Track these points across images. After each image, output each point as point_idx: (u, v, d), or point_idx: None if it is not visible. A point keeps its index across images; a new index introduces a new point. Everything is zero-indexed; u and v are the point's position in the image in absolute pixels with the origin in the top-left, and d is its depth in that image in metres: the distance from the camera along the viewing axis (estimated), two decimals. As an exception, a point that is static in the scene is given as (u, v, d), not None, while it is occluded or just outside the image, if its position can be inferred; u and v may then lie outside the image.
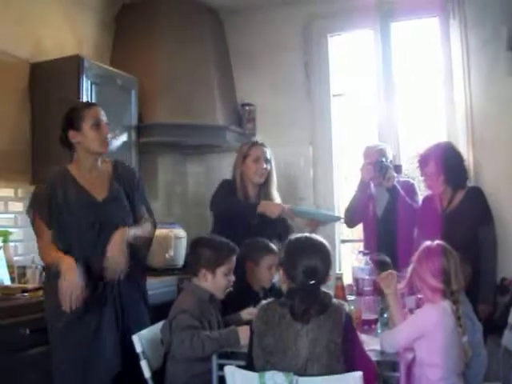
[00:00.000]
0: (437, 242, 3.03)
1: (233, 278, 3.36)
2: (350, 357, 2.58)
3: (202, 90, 5.35)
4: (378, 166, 4.46)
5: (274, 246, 3.85)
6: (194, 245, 3.43)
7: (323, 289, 2.68)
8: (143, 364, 3.24)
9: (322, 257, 2.68)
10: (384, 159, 4.52)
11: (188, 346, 3.03)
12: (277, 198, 4.34)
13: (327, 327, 2.55)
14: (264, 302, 2.77)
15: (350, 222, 4.88)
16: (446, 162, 4.27)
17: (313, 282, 2.62)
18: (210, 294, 3.27)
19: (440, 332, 2.80)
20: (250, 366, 2.66)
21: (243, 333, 3.08)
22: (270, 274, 3.76)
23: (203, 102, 5.35)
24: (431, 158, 4.30)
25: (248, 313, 3.39)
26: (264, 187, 4.32)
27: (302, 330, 2.56)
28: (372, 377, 2.60)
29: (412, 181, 4.79)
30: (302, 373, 2.50)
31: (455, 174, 4.31)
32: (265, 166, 4.27)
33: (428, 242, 3.04)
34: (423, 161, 4.36)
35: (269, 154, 4.33)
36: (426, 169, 4.33)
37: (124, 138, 4.85)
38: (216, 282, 3.30)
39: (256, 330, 2.69)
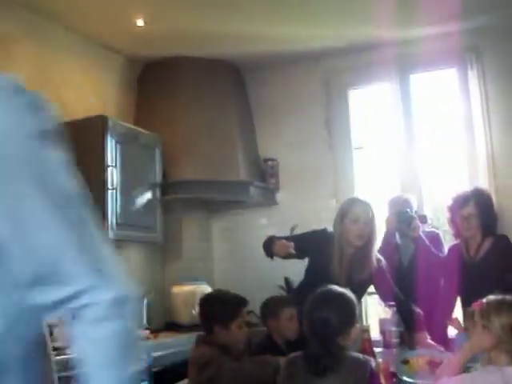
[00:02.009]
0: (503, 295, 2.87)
1: (246, 329, 3.37)
2: None
3: (224, 146, 5.43)
4: (403, 215, 4.46)
5: (291, 298, 3.83)
6: (204, 303, 3.43)
7: (345, 345, 2.65)
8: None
9: (336, 308, 2.66)
10: (409, 210, 4.52)
11: (246, 374, 3.05)
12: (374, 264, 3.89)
13: (350, 382, 2.52)
14: (291, 355, 2.77)
15: None
16: (484, 205, 4.28)
17: (325, 332, 2.60)
18: (225, 346, 3.26)
19: None
20: None
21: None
22: (293, 324, 3.71)
23: (226, 157, 5.42)
24: (472, 198, 4.30)
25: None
26: (363, 248, 3.83)
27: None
28: None
29: (437, 231, 4.78)
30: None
31: (488, 217, 4.31)
32: (364, 227, 3.77)
33: (495, 297, 2.88)
34: (463, 201, 4.33)
35: (371, 213, 3.83)
36: (463, 210, 4.30)
37: (149, 195, 4.91)
38: (231, 336, 3.30)
39: (282, 381, 2.69)
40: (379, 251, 4.34)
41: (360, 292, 3.29)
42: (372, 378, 2.57)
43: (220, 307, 3.33)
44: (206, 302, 3.44)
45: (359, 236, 3.75)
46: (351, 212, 3.80)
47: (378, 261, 3.87)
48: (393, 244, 4.59)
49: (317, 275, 3.75)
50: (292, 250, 3.75)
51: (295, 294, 4.10)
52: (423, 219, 4.65)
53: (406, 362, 3.07)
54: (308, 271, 4.01)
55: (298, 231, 4.15)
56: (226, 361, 3.09)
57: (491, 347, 2.60)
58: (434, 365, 2.97)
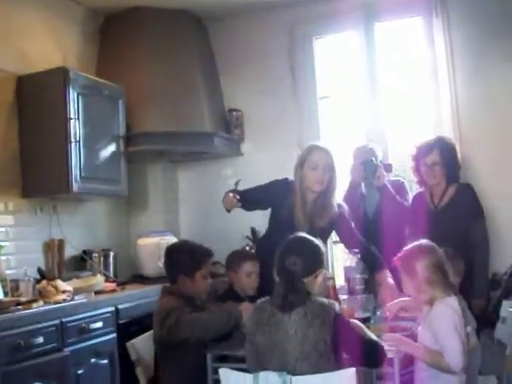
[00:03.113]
0: (423, 240, 3.03)
1: (210, 280, 3.39)
2: (348, 349, 2.65)
3: (188, 98, 5.36)
4: (368, 165, 4.47)
5: (254, 253, 3.84)
6: (169, 252, 3.46)
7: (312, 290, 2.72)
8: (138, 371, 3.25)
9: (305, 252, 2.75)
10: (374, 159, 4.53)
11: (203, 324, 3.09)
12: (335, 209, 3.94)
13: (316, 326, 2.57)
14: (258, 301, 2.82)
15: None
16: (448, 153, 4.33)
17: (292, 273, 2.67)
18: (188, 296, 3.28)
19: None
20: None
21: (245, 308, 3.18)
22: (251, 280, 3.74)
23: (190, 109, 5.36)
24: (435, 146, 4.35)
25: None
26: (324, 194, 3.87)
27: (291, 329, 2.58)
28: (381, 357, 2.68)
29: (402, 179, 4.81)
30: (292, 371, 2.53)
31: (453, 166, 4.37)
32: (322, 173, 3.81)
33: (416, 243, 3.03)
34: (426, 150, 4.37)
35: (330, 159, 3.86)
36: (427, 158, 4.34)
37: (112, 148, 4.85)
38: (195, 286, 3.32)
39: (249, 329, 2.74)
40: (344, 200, 4.38)
41: (323, 238, 3.32)
42: (337, 321, 2.61)
43: (185, 257, 3.35)
44: (172, 251, 3.46)
45: (318, 182, 3.80)
46: (310, 159, 3.84)
47: (339, 206, 3.93)
48: (358, 194, 4.62)
49: (280, 224, 3.82)
50: (237, 204, 3.86)
51: (259, 245, 4.13)
52: (388, 168, 4.68)
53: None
54: (272, 221, 4.05)
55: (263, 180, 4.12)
56: (185, 311, 3.11)
57: (420, 291, 2.88)
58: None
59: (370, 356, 2.67)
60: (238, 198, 3.85)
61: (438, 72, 5.19)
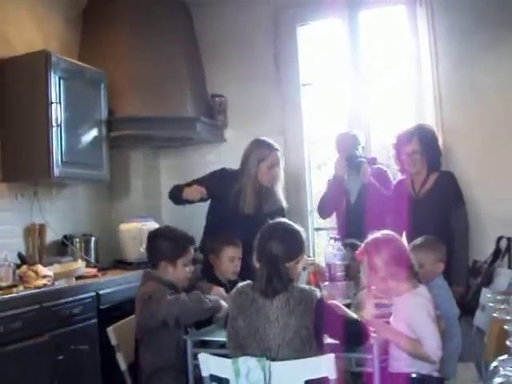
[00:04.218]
0: (382, 232, 3.04)
1: (192, 268, 3.39)
2: (331, 331, 2.69)
3: (171, 82, 5.32)
4: (353, 161, 4.48)
5: (236, 238, 3.86)
6: (152, 237, 3.44)
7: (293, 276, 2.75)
8: (119, 357, 3.25)
9: (286, 237, 2.77)
10: (358, 152, 4.54)
11: (183, 304, 3.08)
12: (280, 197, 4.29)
13: (298, 313, 2.59)
14: (240, 284, 2.83)
15: (324, 214, 4.91)
16: (427, 142, 4.34)
17: (275, 258, 2.69)
18: (169, 282, 3.28)
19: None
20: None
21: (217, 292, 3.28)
22: (233, 265, 3.77)
23: (173, 94, 5.33)
24: (414, 135, 4.36)
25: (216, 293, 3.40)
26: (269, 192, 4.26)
27: (273, 315, 2.60)
28: (363, 335, 2.72)
29: (384, 168, 4.82)
30: (274, 357, 2.54)
31: (432, 153, 4.39)
32: (277, 171, 4.22)
33: (373, 236, 3.04)
34: (406, 139, 4.39)
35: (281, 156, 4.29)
36: (407, 147, 4.37)
37: (94, 132, 4.83)
38: (177, 273, 3.32)
39: (230, 312, 2.76)
40: (326, 191, 4.45)
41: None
42: (319, 307, 2.64)
43: (168, 243, 3.34)
44: (154, 236, 3.44)
45: (273, 179, 4.19)
46: (268, 159, 4.18)
47: None
48: (340, 185, 4.61)
49: (225, 214, 4.10)
50: (204, 192, 4.18)
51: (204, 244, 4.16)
52: (372, 161, 4.68)
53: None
54: (213, 214, 4.28)
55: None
56: (165, 294, 3.11)
57: (386, 285, 2.90)
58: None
59: (353, 334, 2.69)
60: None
61: (421, 60, 5.20)
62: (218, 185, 4.20)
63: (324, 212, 4.87)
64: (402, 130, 4.50)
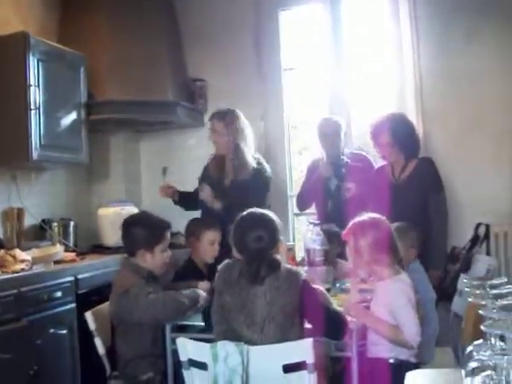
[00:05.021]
0: (369, 215, 3.05)
1: (169, 253, 3.38)
2: (312, 317, 2.72)
3: (151, 66, 5.28)
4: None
5: (216, 222, 3.87)
6: (127, 225, 3.39)
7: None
8: (97, 341, 3.24)
9: (266, 227, 2.80)
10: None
11: (160, 307, 3.06)
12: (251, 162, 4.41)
13: (284, 289, 2.64)
14: (227, 260, 2.86)
15: (303, 209, 4.97)
16: (399, 132, 4.33)
17: (259, 247, 2.72)
18: (147, 271, 3.26)
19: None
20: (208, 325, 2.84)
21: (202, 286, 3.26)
22: (213, 249, 3.79)
23: (153, 78, 5.28)
24: (385, 126, 4.35)
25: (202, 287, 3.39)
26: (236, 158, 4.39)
27: (261, 290, 2.65)
28: (342, 330, 2.73)
29: (364, 153, 4.83)
30: (259, 332, 2.58)
31: (407, 143, 4.38)
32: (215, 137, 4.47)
33: (360, 218, 3.04)
34: (376, 131, 4.40)
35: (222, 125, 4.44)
36: (380, 138, 4.38)
37: (74, 116, 4.78)
38: (155, 260, 3.30)
39: (216, 287, 2.79)
40: (306, 190, 4.52)
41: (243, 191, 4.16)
42: (304, 287, 2.69)
43: (144, 231, 3.30)
44: (130, 224, 3.39)
45: (215, 144, 4.52)
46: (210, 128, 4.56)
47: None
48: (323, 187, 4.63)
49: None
50: (174, 196, 4.53)
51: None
52: (357, 159, 4.69)
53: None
54: None
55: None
56: (143, 293, 3.08)
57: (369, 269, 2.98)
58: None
59: (332, 327, 2.71)
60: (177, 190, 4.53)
61: (402, 47, 5.21)
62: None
63: (303, 207, 4.95)
64: (376, 120, 4.48)
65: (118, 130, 5.62)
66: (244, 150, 4.37)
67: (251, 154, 4.43)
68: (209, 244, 3.80)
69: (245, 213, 2.87)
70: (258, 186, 4.32)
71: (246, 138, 4.42)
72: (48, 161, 4.59)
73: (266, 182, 4.41)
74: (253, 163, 4.37)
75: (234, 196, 4.13)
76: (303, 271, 2.92)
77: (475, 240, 4.57)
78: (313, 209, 4.90)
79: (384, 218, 3.07)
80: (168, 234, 3.39)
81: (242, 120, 4.48)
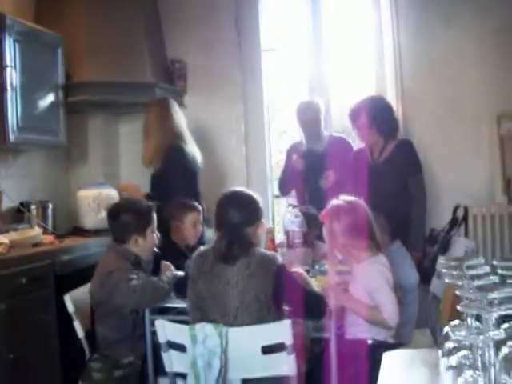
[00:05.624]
0: (345, 198, 3.06)
1: (158, 234, 3.38)
2: (291, 300, 2.70)
3: (130, 47, 5.21)
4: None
5: (197, 204, 3.89)
6: (115, 213, 3.37)
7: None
8: (76, 324, 3.23)
9: (244, 204, 2.82)
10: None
11: (140, 293, 3.04)
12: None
13: (257, 276, 2.62)
14: (202, 248, 2.86)
15: (285, 194, 5.02)
16: (377, 114, 4.34)
17: (234, 225, 2.73)
18: (134, 255, 3.26)
19: None
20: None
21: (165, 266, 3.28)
22: (195, 230, 3.82)
23: (132, 59, 5.21)
24: (362, 110, 4.36)
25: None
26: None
27: (233, 279, 2.63)
28: (322, 310, 2.74)
29: (343, 135, 4.83)
30: (233, 321, 2.56)
31: (386, 125, 4.39)
32: None
33: (335, 201, 3.05)
34: (355, 114, 4.41)
35: None
36: (357, 121, 4.39)
37: (51, 97, 4.73)
38: (147, 243, 3.30)
39: (190, 275, 2.79)
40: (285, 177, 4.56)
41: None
42: (279, 273, 2.67)
43: (133, 216, 3.30)
44: (117, 213, 3.37)
45: None
46: None
47: None
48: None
49: None
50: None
51: None
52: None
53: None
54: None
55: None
56: (125, 279, 3.07)
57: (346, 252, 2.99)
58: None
59: (311, 308, 2.72)
60: None
61: (382, 29, 5.23)
62: None
63: (284, 192, 5.01)
64: (354, 104, 4.49)
65: (96, 112, 5.56)
66: None
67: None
68: (191, 226, 3.83)
69: (227, 191, 2.89)
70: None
71: None
72: (25, 143, 4.53)
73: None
74: None
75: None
76: (280, 255, 2.94)
77: (454, 222, 4.59)
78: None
79: (361, 201, 3.08)
80: (154, 215, 3.39)
81: None
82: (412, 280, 3.49)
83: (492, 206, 4.92)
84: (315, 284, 2.96)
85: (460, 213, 4.66)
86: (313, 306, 2.73)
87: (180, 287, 2.99)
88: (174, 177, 4.30)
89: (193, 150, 4.46)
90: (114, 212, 3.38)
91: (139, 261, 3.28)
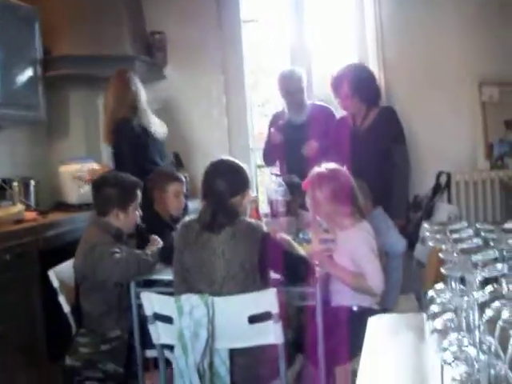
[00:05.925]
0: (326, 165, 3.05)
1: (140, 211, 3.37)
2: (276, 266, 2.73)
3: (109, 20, 5.14)
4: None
5: (180, 175, 3.89)
6: (99, 186, 3.36)
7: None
8: (61, 299, 3.22)
9: (230, 173, 2.82)
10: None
11: (124, 266, 3.04)
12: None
13: (243, 246, 2.63)
14: (186, 218, 2.87)
15: (269, 164, 5.00)
16: (359, 81, 4.32)
17: (219, 193, 2.73)
18: (115, 228, 3.25)
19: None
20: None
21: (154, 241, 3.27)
22: (178, 201, 3.81)
23: (111, 31, 5.13)
24: (344, 78, 4.34)
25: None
26: None
27: (219, 248, 2.63)
28: (307, 271, 2.76)
29: (326, 104, 4.82)
30: (219, 290, 2.56)
31: (368, 92, 4.37)
32: None
33: (317, 169, 3.05)
34: (337, 82, 4.39)
35: None
36: (339, 90, 4.37)
37: (30, 72, 4.67)
38: (128, 219, 3.30)
39: (176, 246, 2.79)
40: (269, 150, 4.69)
41: None
42: (264, 241, 2.68)
43: (116, 191, 3.29)
44: (102, 185, 3.36)
45: None
46: None
47: None
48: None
49: None
50: None
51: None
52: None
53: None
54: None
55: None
56: (108, 252, 3.06)
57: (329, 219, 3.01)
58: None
59: (296, 270, 2.73)
60: None
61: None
62: None
63: (269, 163, 5.00)
64: (336, 72, 4.46)
65: (76, 86, 5.51)
66: None
67: None
68: (174, 196, 3.81)
69: (214, 160, 2.89)
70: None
71: None
72: (5, 119, 4.48)
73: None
74: None
75: None
76: (265, 224, 2.94)
77: (437, 188, 4.62)
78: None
79: (343, 168, 3.08)
80: (139, 193, 3.38)
81: None
82: (399, 247, 3.51)
83: (474, 172, 4.95)
84: (300, 248, 2.97)
85: (443, 179, 4.69)
86: (297, 268, 2.74)
87: (166, 255, 2.99)
88: (121, 151, 4.30)
89: (145, 122, 4.39)
90: (99, 184, 3.39)
91: (121, 234, 3.28)
